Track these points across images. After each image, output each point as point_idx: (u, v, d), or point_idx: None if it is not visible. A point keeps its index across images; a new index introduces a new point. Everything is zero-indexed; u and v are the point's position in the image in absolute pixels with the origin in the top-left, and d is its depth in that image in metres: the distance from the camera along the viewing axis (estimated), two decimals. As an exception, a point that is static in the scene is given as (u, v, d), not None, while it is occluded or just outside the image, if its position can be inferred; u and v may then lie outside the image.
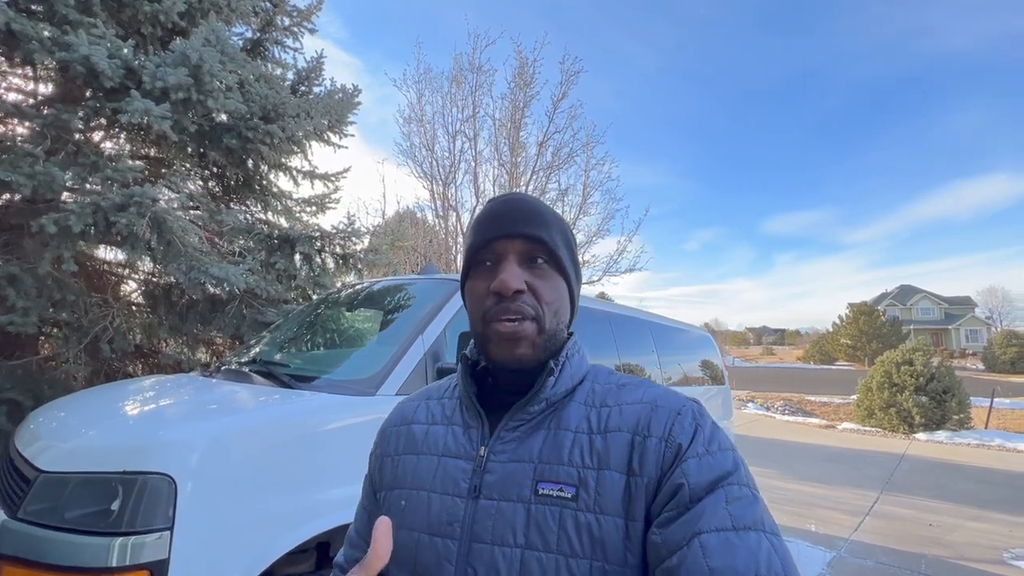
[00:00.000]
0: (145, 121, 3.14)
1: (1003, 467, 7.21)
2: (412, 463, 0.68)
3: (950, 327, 46.55)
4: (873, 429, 10.43)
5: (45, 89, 3.75)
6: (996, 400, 11.70)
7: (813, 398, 16.09)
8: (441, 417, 0.72)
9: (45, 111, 3.36)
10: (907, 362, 10.34)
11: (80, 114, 3.30)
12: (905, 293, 51.80)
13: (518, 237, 0.65)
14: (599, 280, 9.54)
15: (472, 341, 0.73)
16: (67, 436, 1.56)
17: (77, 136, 3.53)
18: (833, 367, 36.35)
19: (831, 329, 41.09)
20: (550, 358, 0.66)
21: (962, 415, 9.80)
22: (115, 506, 1.29)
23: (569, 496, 0.57)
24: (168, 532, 1.30)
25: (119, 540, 1.25)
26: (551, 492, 0.58)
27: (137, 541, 1.26)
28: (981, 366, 32.90)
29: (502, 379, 0.69)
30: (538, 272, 0.66)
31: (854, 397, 12.48)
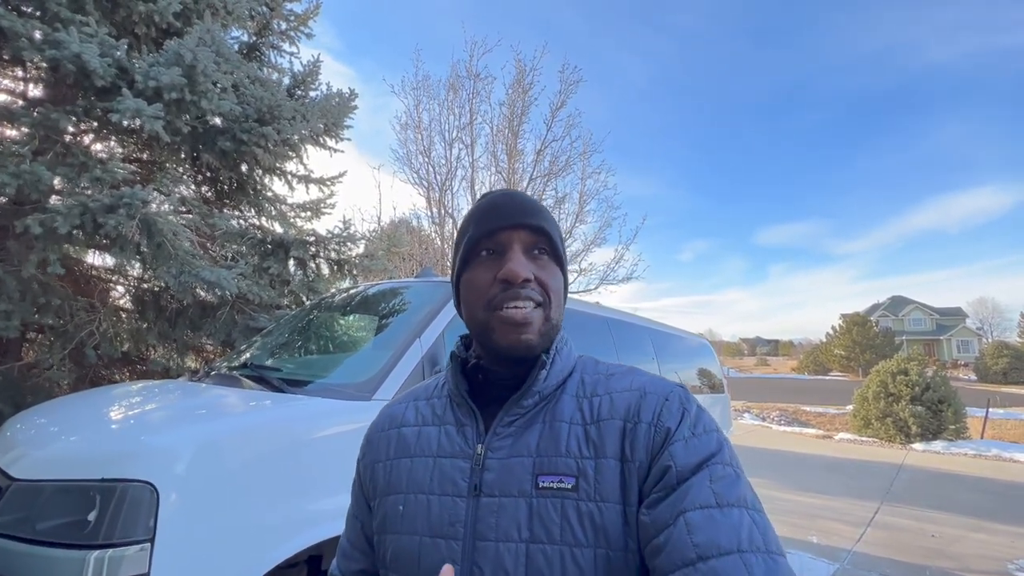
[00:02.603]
0: (137, 122, 3.08)
1: (1001, 477, 7.18)
2: (406, 466, 0.67)
3: (942, 338, 46.92)
4: (870, 439, 10.38)
5: (36, 90, 3.68)
6: (989, 410, 11.72)
7: (808, 408, 16.07)
8: (432, 417, 0.71)
9: (35, 113, 3.29)
10: (903, 372, 10.34)
11: (70, 115, 3.23)
12: (897, 304, 52.25)
13: (523, 228, 0.66)
14: (596, 288, 9.51)
15: (458, 339, 0.73)
16: (43, 443, 1.47)
17: (68, 138, 3.46)
18: (827, 377, 36.42)
19: (824, 340, 41.27)
20: (547, 349, 0.66)
21: (958, 425, 9.78)
22: (92, 516, 1.21)
23: (569, 487, 0.57)
24: (149, 544, 1.21)
25: (95, 553, 1.17)
26: (551, 484, 0.58)
27: (115, 554, 1.18)
28: (973, 376, 33.10)
29: (493, 375, 0.68)
30: (541, 263, 0.67)
31: (849, 407, 12.45)
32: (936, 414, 9.70)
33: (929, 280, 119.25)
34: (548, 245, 0.68)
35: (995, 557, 4.13)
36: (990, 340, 44.20)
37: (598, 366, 0.71)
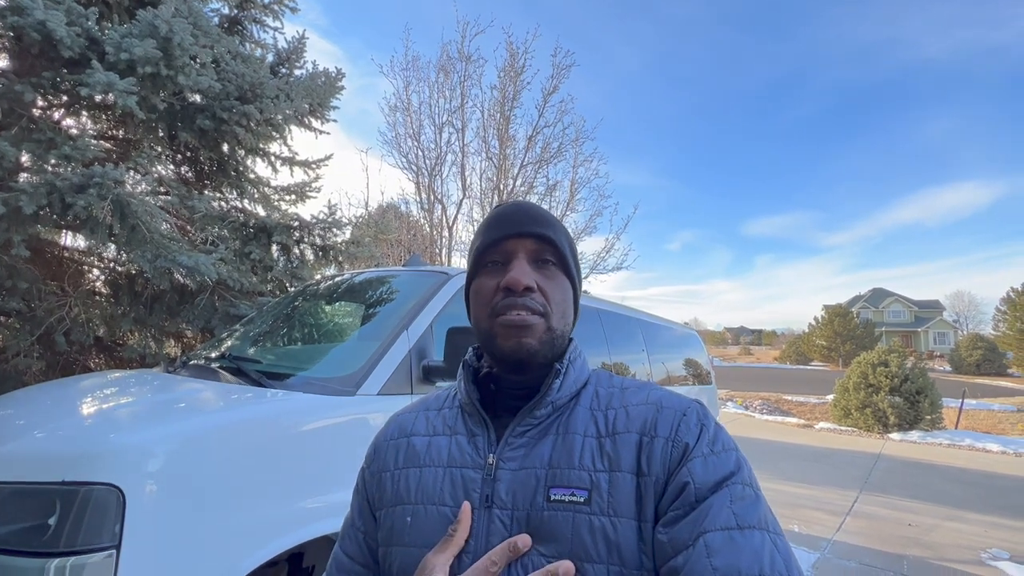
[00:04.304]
0: (109, 97, 2.91)
1: (975, 467, 7.38)
2: (415, 477, 0.66)
3: (919, 329, 48.12)
4: (849, 429, 10.62)
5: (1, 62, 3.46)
6: (964, 401, 12.04)
7: (790, 397, 16.37)
8: (443, 428, 0.70)
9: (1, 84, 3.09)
10: (883, 363, 10.54)
11: (36, 87, 3.04)
12: (877, 296, 53.33)
13: (529, 237, 0.66)
14: (586, 278, 9.47)
15: (470, 350, 0.73)
16: (1, 439, 1.37)
17: (36, 112, 3.26)
18: (808, 367, 37.17)
19: (807, 330, 42.02)
20: (554, 360, 0.66)
21: (934, 415, 10.03)
22: (52, 522, 1.13)
23: (582, 500, 0.56)
24: (114, 551, 1.14)
25: (56, 561, 1.09)
26: (563, 497, 0.57)
27: (77, 562, 1.10)
28: (948, 367, 34.04)
29: (505, 383, 0.68)
30: (547, 272, 0.67)
31: (830, 397, 12.70)
32: (913, 405, 9.93)
33: (909, 273, 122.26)
34: (554, 255, 0.68)
35: (969, 546, 4.24)
36: (966, 332, 45.45)
37: (612, 379, 0.71)
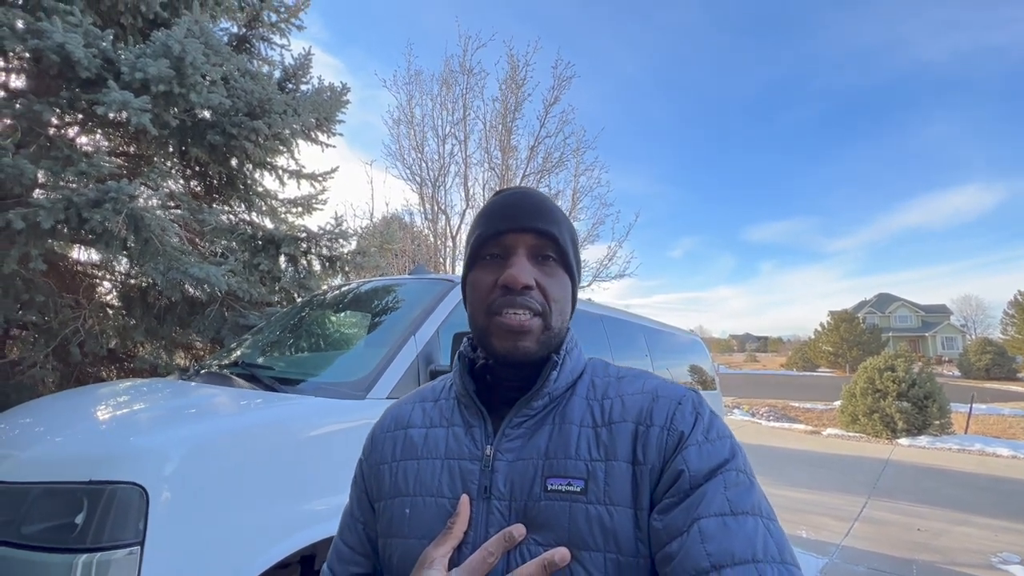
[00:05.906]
0: (123, 115, 3.01)
1: (984, 471, 7.31)
2: (413, 469, 0.66)
3: (927, 334, 47.71)
4: (857, 434, 10.53)
5: (18, 81, 3.59)
6: (973, 405, 11.93)
7: (797, 404, 16.25)
8: (439, 419, 0.69)
9: (17, 104, 3.20)
10: (890, 368, 10.48)
11: (54, 106, 3.15)
12: (883, 301, 53.00)
13: (530, 232, 0.64)
14: (588, 285, 9.53)
15: (465, 340, 0.72)
16: (28, 443, 1.43)
17: (52, 131, 3.37)
18: (815, 373, 36.87)
19: (813, 336, 41.75)
20: (551, 353, 0.65)
21: (943, 420, 9.94)
22: (79, 520, 1.18)
23: (578, 490, 0.56)
24: (138, 548, 1.19)
25: (83, 557, 1.14)
26: (560, 487, 0.57)
27: (103, 558, 1.15)
28: (957, 372, 33.69)
29: (501, 375, 0.67)
30: (547, 269, 0.65)
31: (837, 403, 12.62)
32: (921, 410, 9.85)
33: (915, 277, 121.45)
34: (556, 251, 0.66)
35: (979, 551, 4.21)
36: (974, 337, 45.04)
37: (608, 368, 0.70)
